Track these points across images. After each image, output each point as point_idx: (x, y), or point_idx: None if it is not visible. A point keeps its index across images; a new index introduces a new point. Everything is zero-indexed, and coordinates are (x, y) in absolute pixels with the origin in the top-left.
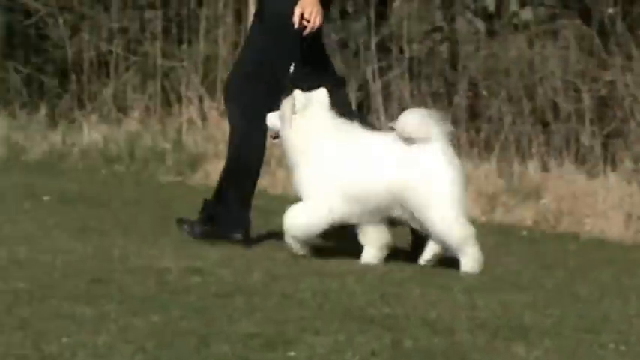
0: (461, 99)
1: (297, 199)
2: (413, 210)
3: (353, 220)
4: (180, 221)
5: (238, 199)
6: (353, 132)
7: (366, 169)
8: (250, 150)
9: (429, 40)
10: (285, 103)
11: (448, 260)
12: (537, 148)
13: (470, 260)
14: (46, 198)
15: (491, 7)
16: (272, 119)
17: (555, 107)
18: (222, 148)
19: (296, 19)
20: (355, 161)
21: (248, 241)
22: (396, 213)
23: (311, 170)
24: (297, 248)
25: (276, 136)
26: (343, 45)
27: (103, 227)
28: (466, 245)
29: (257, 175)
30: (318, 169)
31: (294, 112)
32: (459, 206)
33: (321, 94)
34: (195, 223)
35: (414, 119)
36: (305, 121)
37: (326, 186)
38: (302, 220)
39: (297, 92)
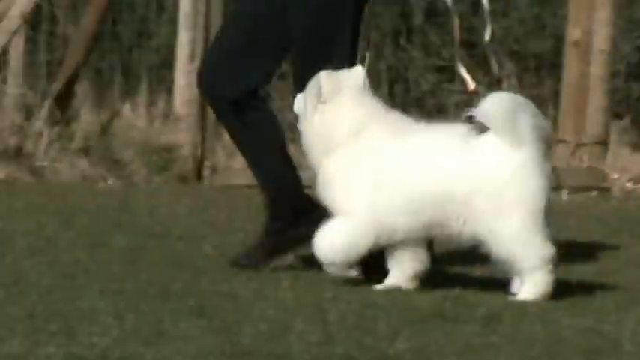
0: None
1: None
2: (475, 221)
3: (396, 238)
4: None
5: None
6: (401, 123)
7: (421, 171)
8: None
9: None
10: (309, 88)
11: None
12: None
13: (533, 287)
14: None
15: None
16: (300, 103)
17: None
18: None
19: None
20: (405, 161)
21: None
22: (451, 228)
23: (344, 174)
24: (344, 274)
25: None
26: None
27: None
28: (539, 270)
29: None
30: (355, 172)
31: (319, 100)
32: (538, 220)
33: (356, 75)
34: None
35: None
36: (335, 110)
37: (368, 194)
38: (341, 241)
39: (323, 74)
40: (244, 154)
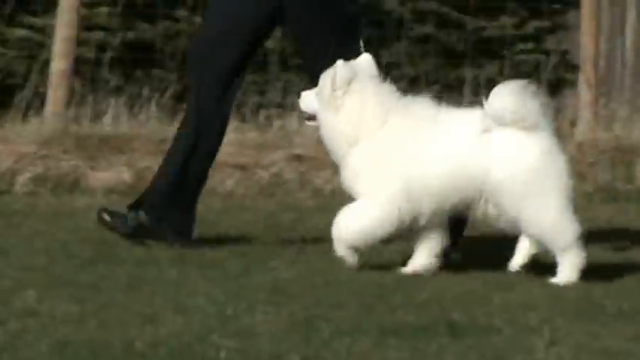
0: None
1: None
2: (504, 204)
3: (420, 221)
4: (106, 212)
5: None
6: (420, 107)
7: (448, 155)
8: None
9: None
10: (324, 79)
11: None
12: None
13: (568, 268)
14: None
15: None
16: (306, 100)
17: None
18: None
19: None
20: (432, 145)
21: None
22: (480, 208)
23: (369, 160)
24: (349, 260)
25: (310, 118)
26: None
27: None
28: (570, 249)
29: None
30: (380, 158)
31: (335, 89)
32: (566, 199)
33: (366, 62)
34: (123, 216)
35: (508, 100)
36: (354, 99)
37: (393, 179)
38: (360, 224)
39: (339, 63)
40: None
